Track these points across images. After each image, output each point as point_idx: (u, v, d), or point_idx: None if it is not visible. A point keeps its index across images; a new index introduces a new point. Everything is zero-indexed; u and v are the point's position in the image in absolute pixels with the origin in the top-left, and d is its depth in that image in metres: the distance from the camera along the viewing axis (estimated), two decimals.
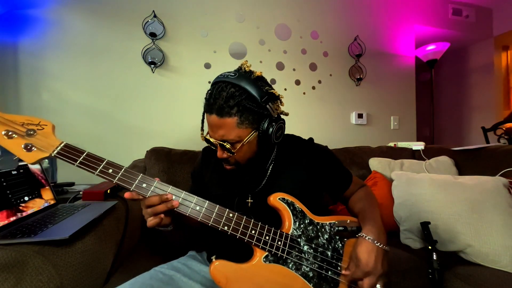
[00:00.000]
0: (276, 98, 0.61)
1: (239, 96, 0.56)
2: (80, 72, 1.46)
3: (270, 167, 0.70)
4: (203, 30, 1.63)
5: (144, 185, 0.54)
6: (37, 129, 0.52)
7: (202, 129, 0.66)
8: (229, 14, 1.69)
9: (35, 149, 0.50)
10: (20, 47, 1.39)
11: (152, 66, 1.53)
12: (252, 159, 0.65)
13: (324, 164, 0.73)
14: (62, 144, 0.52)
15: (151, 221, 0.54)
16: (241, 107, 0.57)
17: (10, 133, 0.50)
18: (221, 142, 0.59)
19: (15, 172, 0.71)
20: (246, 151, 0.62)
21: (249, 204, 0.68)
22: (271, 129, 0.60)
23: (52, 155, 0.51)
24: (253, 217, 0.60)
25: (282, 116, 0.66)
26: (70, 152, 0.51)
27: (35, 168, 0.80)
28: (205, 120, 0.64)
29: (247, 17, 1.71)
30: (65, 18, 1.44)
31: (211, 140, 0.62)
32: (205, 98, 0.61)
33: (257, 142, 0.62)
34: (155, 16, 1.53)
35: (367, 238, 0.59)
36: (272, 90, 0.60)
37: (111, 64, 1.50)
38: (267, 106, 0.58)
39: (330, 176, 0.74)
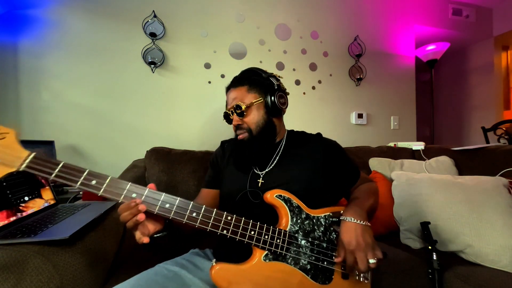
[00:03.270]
0: (276, 78, 0.78)
1: (250, 74, 0.79)
2: (80, 72, 1.46)
3: (280, 150, 0.77)
4: (203, 30, 1.63)
5: (134, 195, 0.49)
6: None
7: (226, 106, 0.81)
8: (229, 14, 1.69)
9: None
10: (20, 47, 1.39)
11: (152, 66, 1.53)
12: (262, 130, 0.74)
13: (335, 157, 0.76)
14: (32, 156, 0.43)
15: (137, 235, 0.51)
16: (251, 80, 0.77)
17: None
18: (235, 106, 0.73)
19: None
20: (255, 115, 0.74)
21: (260, 184, 0.72)
22: (273, 97, 0.74)
23: (21, 169, 0.42)
24: (262, 196, 0.64)
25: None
26: (42, 165, 0.43)
27: None
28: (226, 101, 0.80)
29: (247, 17, 1.71)
30: (65, 18, 1.44)
31: (228, 109, 0.76)
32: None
33: (265, 108, 0.75)
34: (155, 16, 1.53)
35: (345, 219, 0.61)
36: (274, 74, 0.79)
37: (111, 64, 1.50)
38: (270, 78, 0.76)
39: (339, 170, 0.76)
